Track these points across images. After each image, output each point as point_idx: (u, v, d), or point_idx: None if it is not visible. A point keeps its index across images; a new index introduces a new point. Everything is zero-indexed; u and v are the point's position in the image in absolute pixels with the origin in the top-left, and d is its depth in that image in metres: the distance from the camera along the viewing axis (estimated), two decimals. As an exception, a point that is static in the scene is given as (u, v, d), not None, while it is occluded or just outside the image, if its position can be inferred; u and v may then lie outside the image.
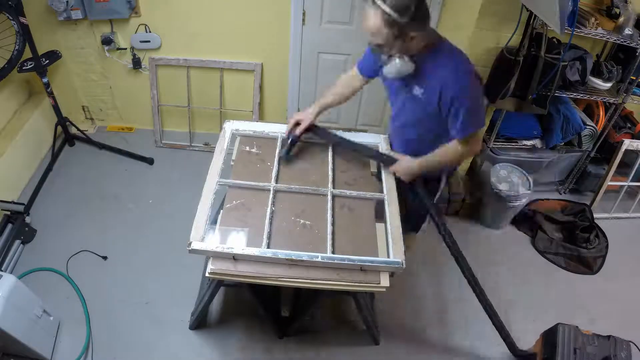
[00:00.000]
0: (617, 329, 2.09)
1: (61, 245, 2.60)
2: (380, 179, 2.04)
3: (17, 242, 2.52)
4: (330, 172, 2.03)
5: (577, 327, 2.02)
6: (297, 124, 1.99)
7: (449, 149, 1.74)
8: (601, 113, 2.97)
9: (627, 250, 2.99)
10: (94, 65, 3.11)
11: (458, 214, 3.08)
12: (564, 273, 2.82)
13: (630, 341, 2.01)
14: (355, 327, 2.38)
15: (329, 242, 1.74)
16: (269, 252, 1.66)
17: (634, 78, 2.71)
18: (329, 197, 1.91)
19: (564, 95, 2.71)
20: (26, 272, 2.43)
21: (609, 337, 2.00)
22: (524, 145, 3.03)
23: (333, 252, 1.71)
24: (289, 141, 2.01)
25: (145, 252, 2.63)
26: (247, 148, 2.13)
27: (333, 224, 1.81)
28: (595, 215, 3.06)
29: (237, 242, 1.73)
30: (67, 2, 2.64)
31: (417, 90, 1.67)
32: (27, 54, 2.70)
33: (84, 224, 2.74)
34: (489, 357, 2.35)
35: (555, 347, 1.97)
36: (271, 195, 1.88)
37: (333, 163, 2.09)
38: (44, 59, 2.78)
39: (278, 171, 2.00)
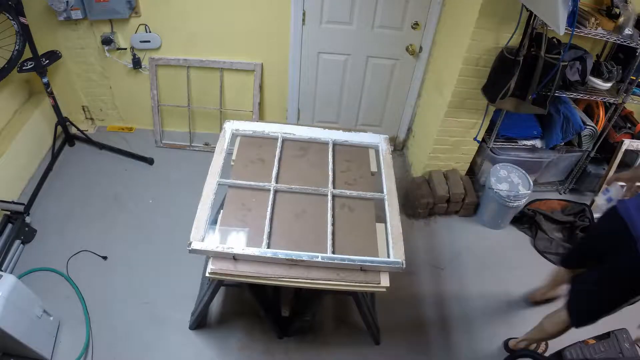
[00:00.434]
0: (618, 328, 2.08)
1: (61, 245, 2.60)
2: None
3: (17, 242, 2.52)
4: (330, 172, 2.03)
5: (580, 342, 2.00)
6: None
7: None
8: (601, 113, 2.97)
9: (627, 250, 2.99)
10: (94, 65, 3.11)
11: (458, 213, 3.08)
12: (564, 273, 2.82)
13: (623, 328, 2.02)
14: (355, 327, 2.38)
15: (329, 242, 1.74)
16: (269, 252, 1.67)
17: (634, 78, 2.71)
18: (329, 197, 1.91)
19: (564, 95, 2.71)
20: (26, 272, 2.43)
21: (608, 334, 2.01)
22: (524, 145, 3.03)
23: (333, 252, 1.71)
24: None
25: (145, 252, 2.63)
26: (247, 148, 2.13)
27: (333, 224, 1.82)
28: (595, 215, 3.06)
29: (237, 242, 1.73)
30: (67, 2, 2.64)
31: None
32: (27, 54, 2.70)
33: (84, 224, 2.74)
34: (489, 357, 2.35)
35: None
36: (271, 195, 1.88)
37: (333, 163, 2.09)
38: (44, 59, 2.79)
39: (278, 171, 2.00)
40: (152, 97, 3.24)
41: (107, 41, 2.91)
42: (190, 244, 1.66)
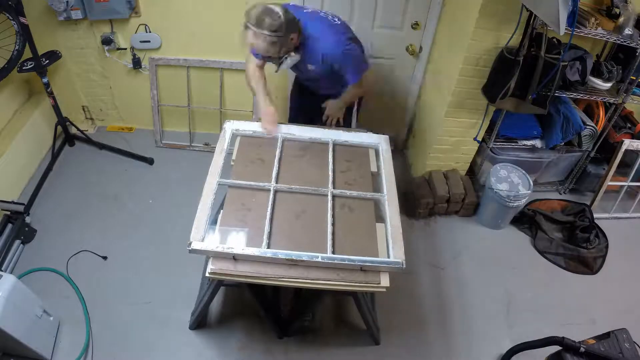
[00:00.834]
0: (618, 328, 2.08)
1: (61, 245, 2.60)
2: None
3: (17, 242, 2.52)
4: (330, 172, 2.03)
5: (580, 343, 2.00)
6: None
7: (350, 90, 2.27)
8: (601, 113, 2.97)
9: (627, 250, 2.99)
10: (94, 65, 3.11)
11: (458, 213, 3.08)
12: (564, 273, 2.82)
13: (623, 328, 2.02)
14: (355, 327, 2.38)
15: (329, 242, 1.74)
16: (269, 252, 1.67)
17: (634, 78, 2.71)
18: (329, 197, 1.91)
19: (564, 95, 2.71)
20: (26, 272, 2.43)
21: (608, 334, 2.01)
22: (524, 145, 3.03)
23: (333, 252, 1.71)
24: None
25: (145, 252, 2.63)
26: (247, 148, 2.13)
27: (333, 224, 1.82)
28: (595, 215, 3.06)
29: (237, 242, 1.73)
30: (67, 2, 2.64)
31: (310, 67, 2.14)
32: (27, 54, 2.70)
33: (84, 224, 2.74)
34: (489, 356, 2.35)
35: None
36: (271, 195, 1.88)
37: (333, 163, 2.09)
38: (44, 59, 2.78)
39: (278, 171, 2.00)
40: (152, 97, 3.24)
41: (107, 41, 2.91)
42: (190, 244, 1.66)
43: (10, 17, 2.49)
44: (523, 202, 2.86)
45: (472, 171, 3.20)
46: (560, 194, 3.32)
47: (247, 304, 2.39)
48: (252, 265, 1.67)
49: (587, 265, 2.84)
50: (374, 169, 2.12)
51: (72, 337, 2.20)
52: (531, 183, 2.86)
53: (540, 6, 2.00)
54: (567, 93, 2.69)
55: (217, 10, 2.84)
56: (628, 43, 2.45)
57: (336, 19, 2.16)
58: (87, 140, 3.23)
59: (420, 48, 2.97)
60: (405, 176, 3.31)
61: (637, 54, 2.58)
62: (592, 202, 3.15)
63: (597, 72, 2.74)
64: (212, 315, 2.38)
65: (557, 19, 1.82)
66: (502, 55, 2.42)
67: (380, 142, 2.22)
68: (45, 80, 2.83)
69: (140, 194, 2.97)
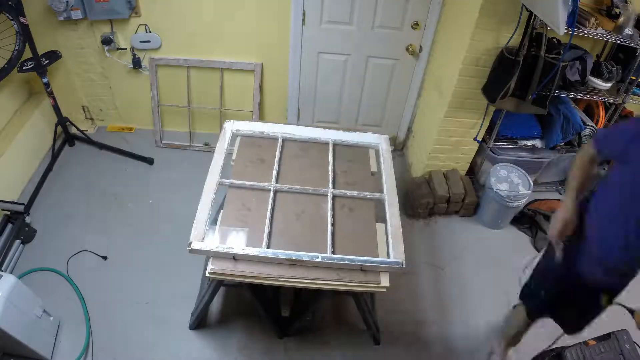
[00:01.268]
0: (618, 329, 2.08)
1: (61, 245, 2.60)
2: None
3: (17, 242, 2.52)
4: (330, 172, 2.03)
5: (581, 343, 2.00)
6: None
7: None
8: (601, 113, 2.97)
9: (627, 250, 2.98)
10: (94, 65, 3.11)
11: (458, 213, 3.08)
12: (564, 273, 2.82)
13: (624, 329, 2.02)
14: (355, 327, 2.38)
15: (329, 242, 1.74)
16: (269, 252, 1.67)
17: (634, 78, 2.71)
18: (329, 197, 1.91)
19: (564, 95, 2.71)
20: (26, 272, 2.43)
21: (608, 335, 2.00)
22: (524, 145, 3.03)
23: (333, 252, 1.71)
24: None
25: (145, 252, 2.63)
26: (247, 148, 2.13)
27: (333, 224, 1.82)
28: (595, 215, 3.06)
29: (237, 242, 1.73)
30: (67, 2, 2.64)
31: None
32: (27, 54, 2.70)
33: (84, 224, 2.74)
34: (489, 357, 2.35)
35: None
36: (271, 195, 1.88)
37: (333, 163, 2.09)
38: (44, 59, 2.79)
39: (278, 171, 2.00)
40: (152, 97, 3.24)
41: (107, 41, 2.91)
42: (190, 244, 1.66)
43: (10, 17, 2.49)
44: (523, 202, 2.86)
45: (472, 171, 3.20)
46: (560, 194, 3.32)
47: (247, 304, 2.39)
48: (252, 265, 1.67)
49: (587, 265, 2.84)
50: (374, 169, 2.12)
51: (72, 337, 2.20)
52: (531, 183, 2.86)
53: (540, 6, 2.01)
54: (567, 93, 2.69)
55: (217, 10, 2.84)
56: (628, 43, 2.45)
57: None
58: (87, 140, 3.23)
59: (420, 48, 2.97)
60: (405, 176, 3.31)
61: (637, 54, 2.58)
62: (592, 202, 3.14)
63: (597, 72, 2.74)
64: (212, 315, 2.38)
65: (557, 19, 1.83)
66: (502, 55, 2.42)
67: (380, 142, 2.22)
68: (45, 80, 2.83)
69: (140, 194, 2.97)
